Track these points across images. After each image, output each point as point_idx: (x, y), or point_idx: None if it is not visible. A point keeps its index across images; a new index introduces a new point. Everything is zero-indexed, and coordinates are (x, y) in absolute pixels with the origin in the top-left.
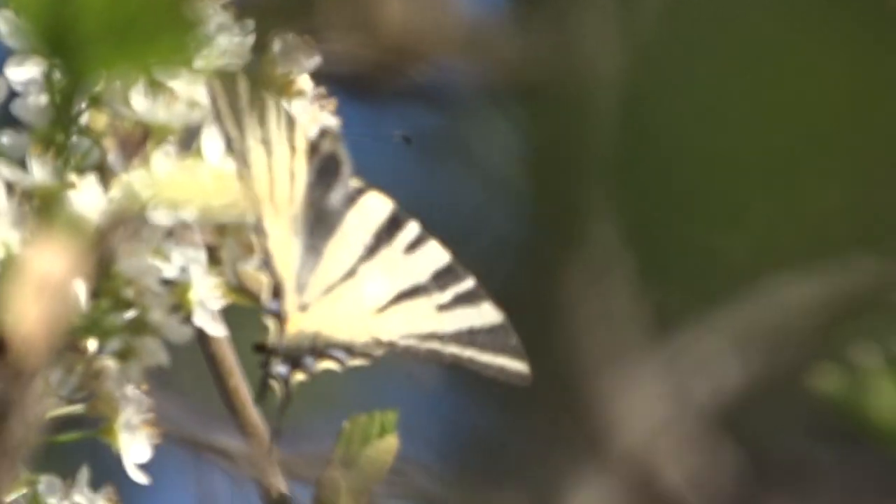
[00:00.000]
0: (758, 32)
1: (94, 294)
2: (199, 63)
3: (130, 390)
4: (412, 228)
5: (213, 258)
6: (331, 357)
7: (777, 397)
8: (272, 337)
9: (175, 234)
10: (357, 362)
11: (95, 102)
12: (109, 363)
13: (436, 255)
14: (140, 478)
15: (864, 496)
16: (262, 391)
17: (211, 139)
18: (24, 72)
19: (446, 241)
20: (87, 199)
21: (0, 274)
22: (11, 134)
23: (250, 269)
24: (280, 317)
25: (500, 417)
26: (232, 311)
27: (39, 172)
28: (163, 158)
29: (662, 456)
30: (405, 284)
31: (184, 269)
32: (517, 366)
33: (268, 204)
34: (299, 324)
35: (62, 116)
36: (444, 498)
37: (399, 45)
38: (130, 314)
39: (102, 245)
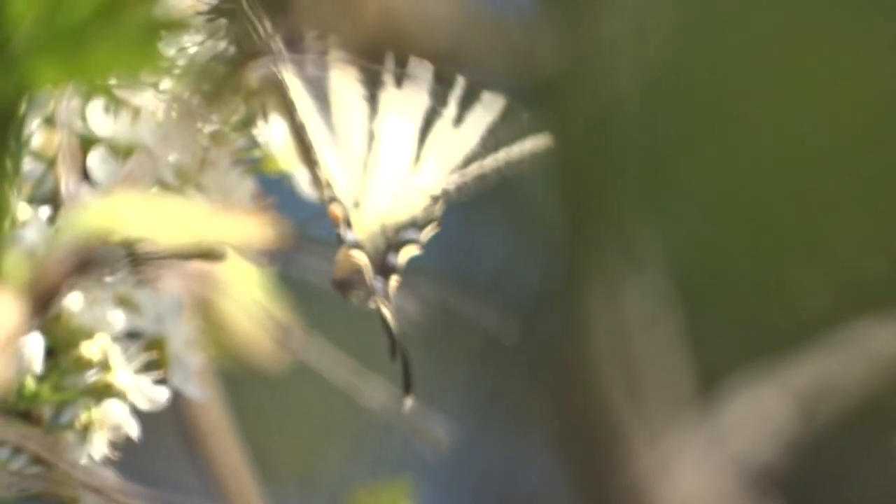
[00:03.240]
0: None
1: (49, 351)
2: (166, 72)
3: (93, 468)
4: (390, 65)
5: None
6: (407, 242)
7: (851, 464)
8: (362, 266)
9: (147, 278)
10: (429, 233)
11: (48, 122)
12: (68, 434)
13: (421, 71)
14: None
15: None
16: (388, 333)
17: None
18: None
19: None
20: (37, 233)
21: None
22: None
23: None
24: (358, 246)
25: (537, 471)
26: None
27: None
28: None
29: None
30: (418, 119)
31: (158, 320)
32: (541, 140)
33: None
34: (363, 226)
35: (6, 139)
36: None
37: (389, 39)
38: (92, 374)
39: (47, 284)
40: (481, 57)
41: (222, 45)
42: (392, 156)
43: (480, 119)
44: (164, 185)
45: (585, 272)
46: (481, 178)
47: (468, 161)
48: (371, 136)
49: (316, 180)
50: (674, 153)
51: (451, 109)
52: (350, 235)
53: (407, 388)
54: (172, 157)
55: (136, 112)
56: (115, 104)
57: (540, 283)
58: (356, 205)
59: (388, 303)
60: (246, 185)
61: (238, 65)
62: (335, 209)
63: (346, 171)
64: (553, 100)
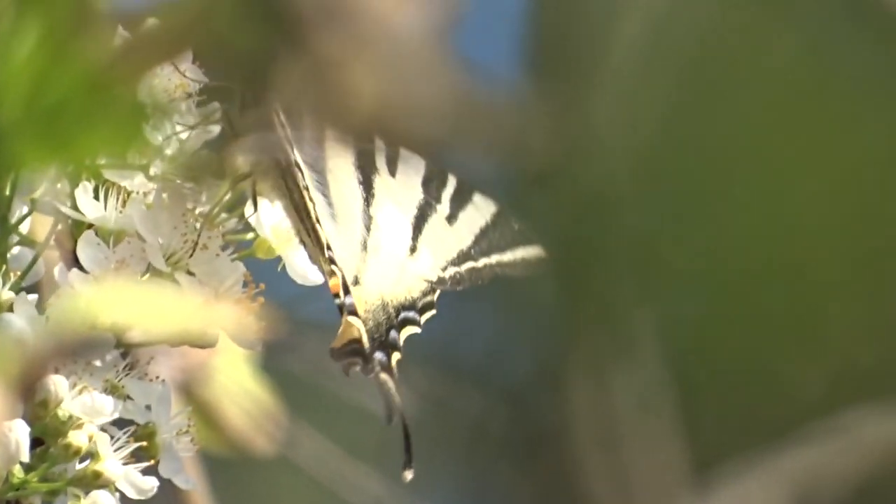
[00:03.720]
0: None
1: (38, 440)
2: (155, 155)
3: None
4: (382, 152)
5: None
6: (407, 322)
7: None
8: (362, 338)
9: (137, 365)
10: (427, 316)
11: (37, 205)
12: None
13: (414, 164)
14: None
15: None
16: (387, 399)
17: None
18: None
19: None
20: (25, 321)
21: None
22: None
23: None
24: (354, 312)
25: None
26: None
27: None
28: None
29: None
30: (413, 209)
31: (147, 408)
32: (533, 251)
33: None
34: (363, 301)
35: None
36: None
37: (382, 123)
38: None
39: (36, 373)
40: (473, 143)
41: (213, 128)
42: (390, 240)
43: (473, 221)
44: (154, 271)
45: (576, 357)
46: (476, 272)
47: (462, 258)
48: (369, 219)
49: (315, 246)
50: (665, 237)
51: (444, 206)
52: (348, 300)
53: (407, 460)
54: (162, 241)
55: (126, 195)
56: (103, 185)
57: (530, 367)
58: (356, 282)
59: (392, 375)
60: (237, 270)
61: (228, 146)
62: (333, 274)
63: (347, 247)
64: (545, 184)
